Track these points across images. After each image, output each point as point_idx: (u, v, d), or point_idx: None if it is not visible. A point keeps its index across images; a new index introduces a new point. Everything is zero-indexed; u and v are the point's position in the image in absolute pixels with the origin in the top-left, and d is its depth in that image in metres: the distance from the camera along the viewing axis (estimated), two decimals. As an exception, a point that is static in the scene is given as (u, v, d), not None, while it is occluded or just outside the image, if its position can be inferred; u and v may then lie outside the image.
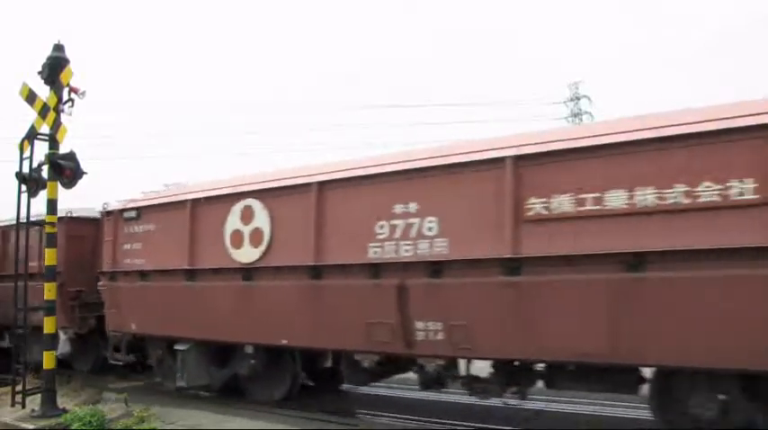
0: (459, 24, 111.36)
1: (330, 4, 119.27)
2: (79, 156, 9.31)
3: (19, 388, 9.60)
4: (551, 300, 6.37)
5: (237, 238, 8.77)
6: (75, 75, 9.23)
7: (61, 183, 9.28)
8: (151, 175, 50.98)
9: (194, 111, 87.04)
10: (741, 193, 5.53)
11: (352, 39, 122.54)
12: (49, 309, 9.18)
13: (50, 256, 9.24)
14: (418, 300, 7.15)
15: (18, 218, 9.75)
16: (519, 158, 6.58)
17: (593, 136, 6.38)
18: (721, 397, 6.00)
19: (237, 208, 8.81)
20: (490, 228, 6.68)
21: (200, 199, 9.36)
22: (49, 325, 9.13)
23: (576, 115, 49.03)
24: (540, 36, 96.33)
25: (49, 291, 9.15)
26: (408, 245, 7.25)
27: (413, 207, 7.26)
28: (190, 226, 9.34)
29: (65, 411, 8.95)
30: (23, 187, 9.57)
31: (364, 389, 10.23)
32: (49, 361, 9.17)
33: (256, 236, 8.57)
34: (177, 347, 9.67)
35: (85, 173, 9.36)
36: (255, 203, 8.63)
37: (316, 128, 63.81)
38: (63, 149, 9.30)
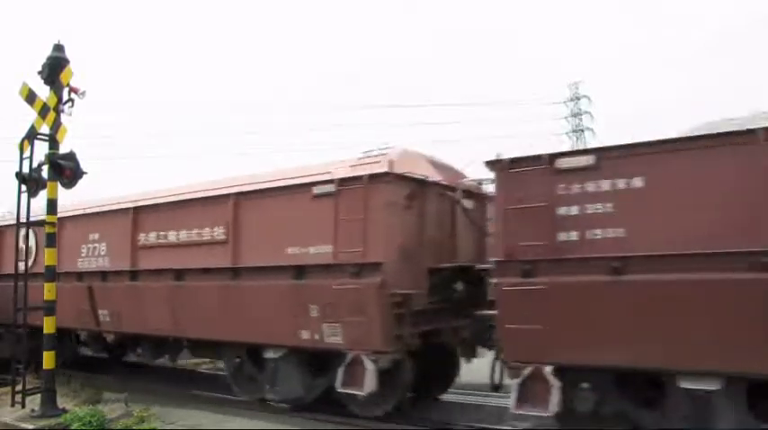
0: (459, 24, 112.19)
1: (330, 4, 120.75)
2: (79, 157, 9.41)
3: (19, 388, 9.72)
4: (150, 296, 10.18)
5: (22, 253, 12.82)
6: (75, 75, 9.29)
7: (61, 183, 9.39)
8: (151, 175, 55.15)
9: (194, 111, 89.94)
10: (219, 235, 9.21)
11: (352, 39, 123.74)
12: (49, 308, 9.48)
13: (50, 256, 9.58)
14: (98, 296, 11.06)
15: (18, 218, 10.02)
16: (135, 209, 10.44)
17: (167, 195, 10.14)
18: (237, 360, 9.63)
19: (22, 233, 12.83)
20: (125, 251, 10.52)
21: (2, 226, 13.46)
22: (48, 325, 9.39)
23: (575, 115, 50.20)
24: (540, 36, 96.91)
25: (49, 291, 9.48)
26: (93, 260, 11.16)
27: (97, 236, 11.15)
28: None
29: (65, 411, 9.10)
30: (23, 187, 9.73)
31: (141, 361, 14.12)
32: (48, 361, 9.32)
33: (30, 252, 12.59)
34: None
35: (85, 173, 9.47)
36: (31, 231, 12.63)
37: (316, 128, 66.48)
38: (63, 149, 9.39)
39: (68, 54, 9.35)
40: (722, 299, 5.79)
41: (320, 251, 8.11)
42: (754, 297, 5.66)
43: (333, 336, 8.09)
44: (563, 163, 6.59)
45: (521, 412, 6.89)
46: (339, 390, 8.06)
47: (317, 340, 8.21)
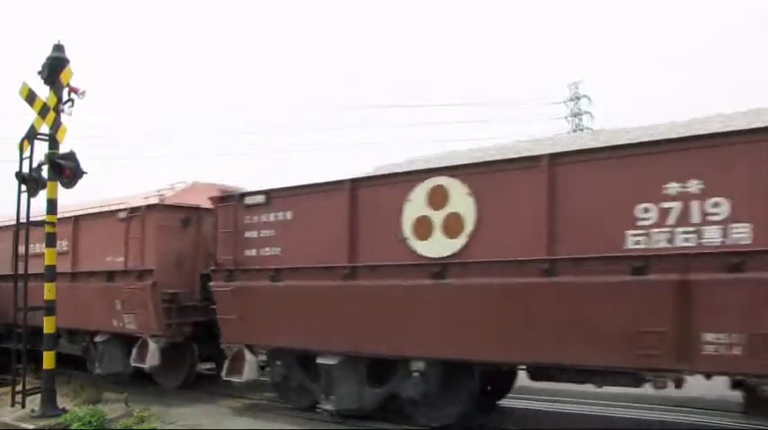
0: (459, 24, 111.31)
1: (330, 4, 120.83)
2: (79, 157, 9.42)
3: (19, 388, 9.77)
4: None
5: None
6: (75, 75, 9.34)
7: (61, 183, 9.45)
8: (151, 175, 54.44)
9: (194, 111, 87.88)
10: (65, 247, 12.04)
11: (352, 39, 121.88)
12: (49, 308, 9.55)
13: (50, 256, 9.72)
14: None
15: (18, 218, 10.14)
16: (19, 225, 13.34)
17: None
18: (84, 343, 12.48)
19: None
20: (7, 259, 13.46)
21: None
22: (48, 325, 9.48)
23: (575, 115, 50.25)
24: (540, 36, 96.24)
25: (49, 291, 9.55)
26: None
27: (-2, 246, 14.17)
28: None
29: (64, 411, 9.14)
30: (23, 187, 9.79)
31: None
32: (48, 361, 9.38)
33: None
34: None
35: (85, 173, 9.52)
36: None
37: (316, 128, 67.12)
38: (63, 149, 9.43)
39: (68, 54, 9.43)
40: (331, 297, 8.30)
41: (121, 260, 10.87)
42: (350, 296, 8.13)
43: (130, 324, 10.83)
44: (248, 200, 9.21)
45: (228, 379, 9.51)
46: (132, 364, 10.80)
47: (122, 327, 10.97)
